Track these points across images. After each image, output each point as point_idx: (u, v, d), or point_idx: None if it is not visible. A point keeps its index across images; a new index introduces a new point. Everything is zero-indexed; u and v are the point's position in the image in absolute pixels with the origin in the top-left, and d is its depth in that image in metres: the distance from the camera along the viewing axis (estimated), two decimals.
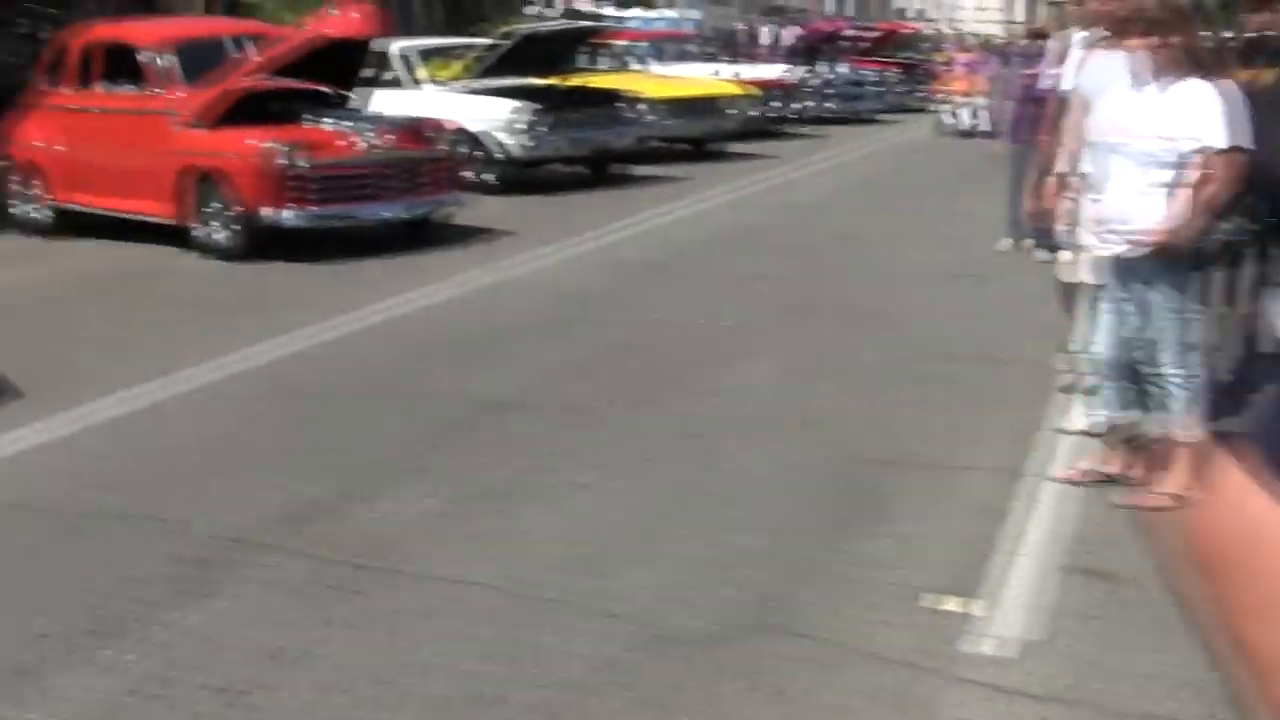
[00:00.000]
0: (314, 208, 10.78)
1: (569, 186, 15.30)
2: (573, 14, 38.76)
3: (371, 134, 11.19)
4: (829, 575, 4.55)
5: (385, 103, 13.92)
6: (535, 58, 15.73)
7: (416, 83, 15.32)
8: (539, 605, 4.30)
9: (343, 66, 11.73)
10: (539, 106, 14.82)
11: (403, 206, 11.40)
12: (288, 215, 10.65)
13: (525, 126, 14.52)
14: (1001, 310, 8.69)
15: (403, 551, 4.77)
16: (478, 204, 12.48)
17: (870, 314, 8.73)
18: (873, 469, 5.66)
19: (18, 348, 7.67)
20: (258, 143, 10.67)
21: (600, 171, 15.87)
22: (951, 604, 4.28)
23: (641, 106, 16.60)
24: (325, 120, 11.24)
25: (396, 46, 15.52)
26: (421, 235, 11.68)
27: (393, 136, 11.35)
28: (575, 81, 16.32)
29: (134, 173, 11.80)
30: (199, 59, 11.70)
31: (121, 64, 11.91)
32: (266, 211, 10.63)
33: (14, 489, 5.53)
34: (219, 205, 10.89)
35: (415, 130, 11.77)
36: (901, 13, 62.66)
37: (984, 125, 22.55)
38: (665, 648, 4.03)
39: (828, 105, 25.74)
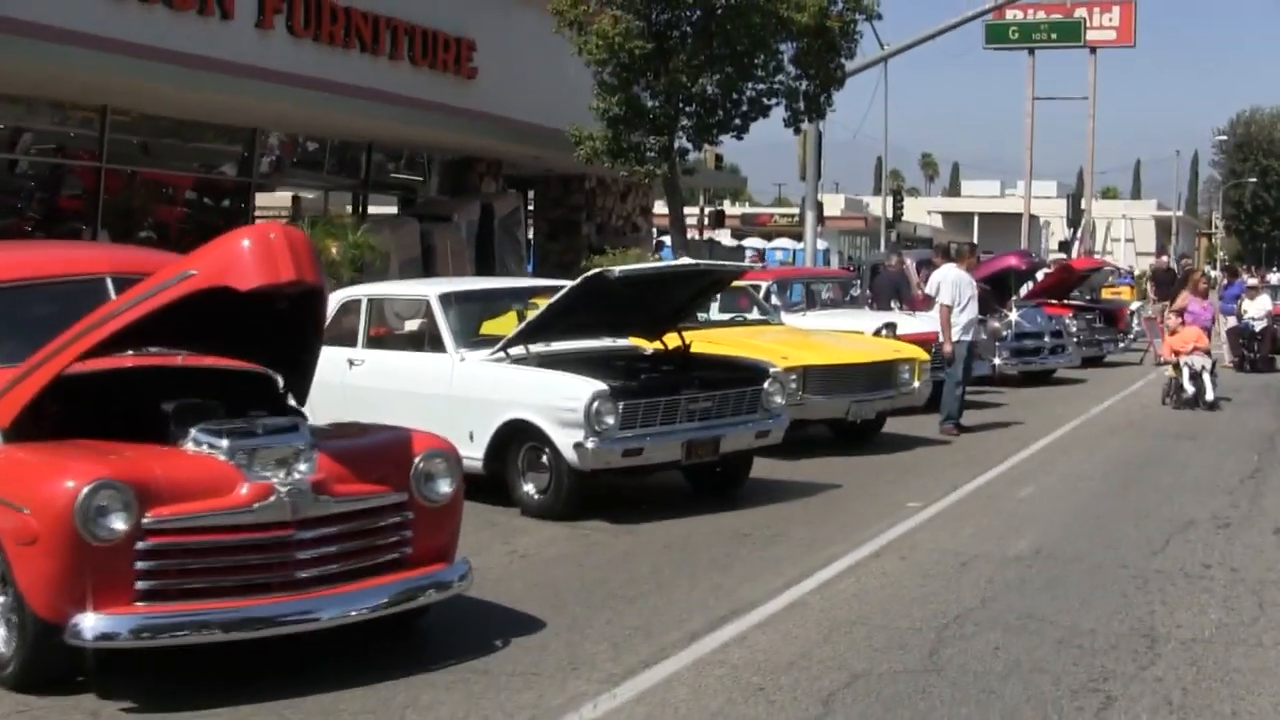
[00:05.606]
0: (152, 607, 5.52)
1: (667, 508, 9.81)
2: (708, 246, 33.75)
3: (302, 461, 5.88)
4: None
5: (394, 374, 8.88)
6: (638, 309, 10.41)
7: (444, 347, 9.94)
8: None
9: (299, 330, 6.59)
10: (620, 386, 9.27)
11: (343, 601, 5.90)
12: (94, 623, 5.40)
13: (601, 420, 9.04)
14: None
15: None
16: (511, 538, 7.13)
17: None
18: None
19: None
20: (54, 479, 5.52)
21: (727, 485, 10.42)
22: None
23: (793, 383, 11.24)
24: (215, 437, 5.89)
25: (428, 291, 10.45)
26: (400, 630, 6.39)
27: (343, 469, 6.05)
28: (696, 345, 10.75)
29: None
30: (40, 312, 6.77)
31: None
32: (54, 614, 5.42)
33: None
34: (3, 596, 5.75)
35: (395, 451, 6.34)
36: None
37: (1212, 393, 16.89)
38: None
39: (1020, 362, 20.03)
